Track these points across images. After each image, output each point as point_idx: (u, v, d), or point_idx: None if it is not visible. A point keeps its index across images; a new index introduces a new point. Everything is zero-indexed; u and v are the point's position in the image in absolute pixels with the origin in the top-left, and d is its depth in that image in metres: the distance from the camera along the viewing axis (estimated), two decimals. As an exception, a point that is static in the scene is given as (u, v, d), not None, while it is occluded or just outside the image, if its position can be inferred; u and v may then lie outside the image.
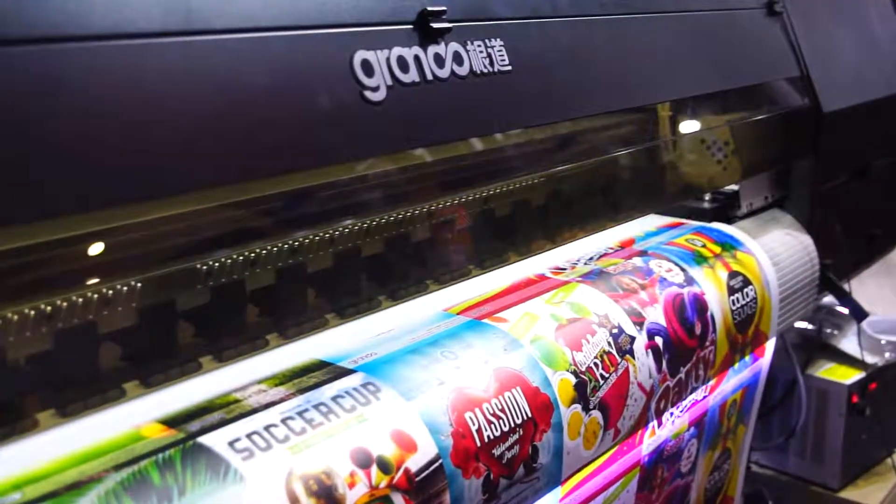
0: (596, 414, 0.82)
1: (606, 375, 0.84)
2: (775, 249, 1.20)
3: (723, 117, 1.27)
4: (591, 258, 1.01)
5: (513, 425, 0.73)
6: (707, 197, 1.32)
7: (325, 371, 0.70)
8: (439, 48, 0.77)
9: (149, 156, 0.57)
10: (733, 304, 1.05)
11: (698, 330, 0.98)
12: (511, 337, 0.80)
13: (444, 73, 0.77)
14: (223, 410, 0.63)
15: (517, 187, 0.99)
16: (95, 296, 0.62)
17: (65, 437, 0.60)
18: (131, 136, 0.56)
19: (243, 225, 0.71)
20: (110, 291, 0.63)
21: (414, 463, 0.65)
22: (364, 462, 0.62)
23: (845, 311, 1.48)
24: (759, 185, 1.34)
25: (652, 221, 1.19)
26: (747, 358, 1.11)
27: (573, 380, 0.80)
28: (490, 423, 0.71)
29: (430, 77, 0.75)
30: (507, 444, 0.73)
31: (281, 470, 0.58)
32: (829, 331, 1.69)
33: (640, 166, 1.18)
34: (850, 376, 1.62)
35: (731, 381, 1.11)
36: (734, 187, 1.31)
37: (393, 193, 0.84)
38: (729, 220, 1.26)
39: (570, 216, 1.07)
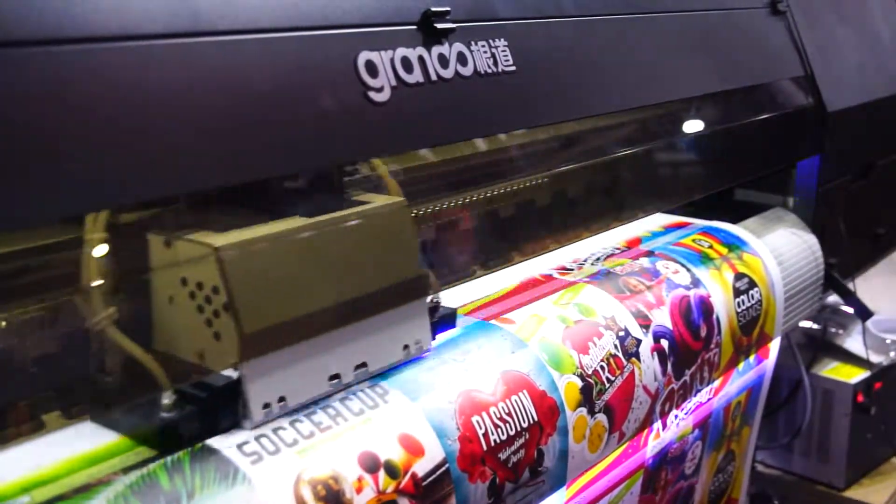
0: (601, 417, 0.82)
1: (612, 378, 0.84)
2: (780, 249, 1.19)
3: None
4: (598, 258, 1.01)
5: (519, 429, 0.73)
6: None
7: (331, 374, 0.70)
8: (443, 49, 0.77)
9: (152, 157, 0.57)
10: (739, 306, 1.05)
11: (704, 332, 0.98)
12: (518, 339, 0.79)
13: (448, 74, 0.77)
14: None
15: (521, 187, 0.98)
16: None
17: (72, 440, 0.59)
18: (134, 138, 0.56)
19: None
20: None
21: (421, 467, 0.65)
22: (372, 466, 0.62)
23: (850, 310, 1.47)
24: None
25: (658, 221, 1.19)
26: (751, 360, 1.11)
27: (579, 383, 0.80)
28: (497, 426, 0.71)
29: (434, 77, 0.75)
30: (513, 448, 0.72)
31: (289, 474, 0.58)
32: (833, 330, 1.69)
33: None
34: (855, 375, 1.62)
35: (735, 383, 1.10)
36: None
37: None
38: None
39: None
